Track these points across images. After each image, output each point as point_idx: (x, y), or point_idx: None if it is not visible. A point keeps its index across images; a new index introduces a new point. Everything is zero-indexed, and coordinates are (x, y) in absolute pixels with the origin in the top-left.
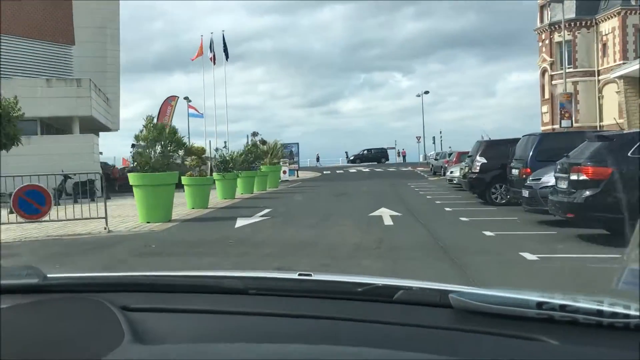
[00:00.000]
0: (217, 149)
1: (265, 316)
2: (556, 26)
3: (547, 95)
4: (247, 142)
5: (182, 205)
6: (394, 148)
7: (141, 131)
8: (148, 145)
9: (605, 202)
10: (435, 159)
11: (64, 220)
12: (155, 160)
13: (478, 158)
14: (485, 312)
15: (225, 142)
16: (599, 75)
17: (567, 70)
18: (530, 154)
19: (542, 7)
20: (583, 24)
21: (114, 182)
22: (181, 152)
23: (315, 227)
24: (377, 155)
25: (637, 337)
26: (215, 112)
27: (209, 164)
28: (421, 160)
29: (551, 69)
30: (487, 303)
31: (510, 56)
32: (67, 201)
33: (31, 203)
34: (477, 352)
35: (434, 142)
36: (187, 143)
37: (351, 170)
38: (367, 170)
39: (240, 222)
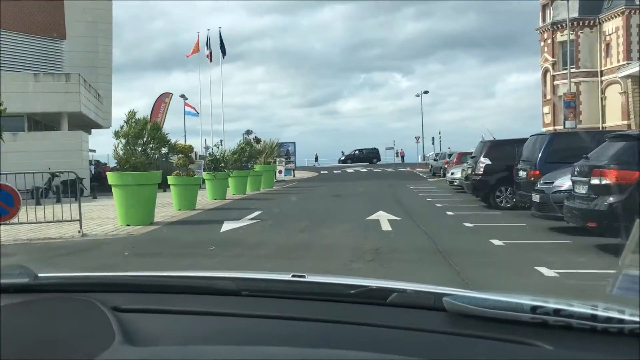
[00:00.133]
0: (207, 147)
1: (257, 318)
2: (558, 25)
3: (548, 96)
4: (240, 141)
5: (169, 206)
6: (392, 148)
7: (122, 127)
8: (129, 142)
9: (633, 210)
10: (435, 160)
11: (35, 222)
12: (136, 158)
13: (482, 159)
14: (479, 316)
15: (221, 141)
16: (601, 75)
17: (570, 71)
18: (540, 155)
19: (544, 7)
20: (586, 24)
21: (105, 181)
22: (164, 150)
23: (307, 232)
24: (369, 156)
25: (631, 343)
26: (211, 110)
27: (202, 162)
28: (420, 160)
29: (553, 69)
30: (481, 307)
31: (510, 57)
32: (49, 201)
33: None
34: (471, 356)
35: (433, 143)
36: (172, 140)
37: (349, 171)
38: (364, 170)
39: (227, 226)
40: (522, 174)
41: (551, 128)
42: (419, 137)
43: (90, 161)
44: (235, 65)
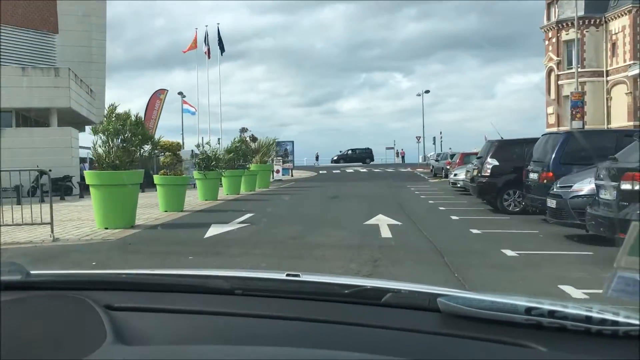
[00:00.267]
0: (198, 145)
1: (251, 317)
2: (564, 24)
3: (553, 96)
4: (234, 139)
5: (156, 208)
6: (392, 148)
7: (101, 122)
8: (108, 138)
9: None
10: (436, 160)
11: (3, 225)
12: (115, 155)
13: (489, 160)
14: (474, 317)
15: (219, 139)
16: (607, 75)
17: (575, 70)
18: (553, 156)
19: (549, 5)
20: (592, 22)
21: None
22: (147, 147)
23: (299, 239)
24: (362, 156)
25: (626, 345)
26: (209, 109)
27: (193, 161)
28: (420, 161)
29: (558, 68)
30: (476, 308)
31: (511, 58)
32: (36, 200)
33: None
34: (465, 358)
35: (434, 143)
36: (155, 136)
37: (348, 170)
38: (364, 170)
39: (213, 230)
40: (533, 176)
41: (555, 129)
42: (419, 137)
43: (84, 159)
44: (236, 63)
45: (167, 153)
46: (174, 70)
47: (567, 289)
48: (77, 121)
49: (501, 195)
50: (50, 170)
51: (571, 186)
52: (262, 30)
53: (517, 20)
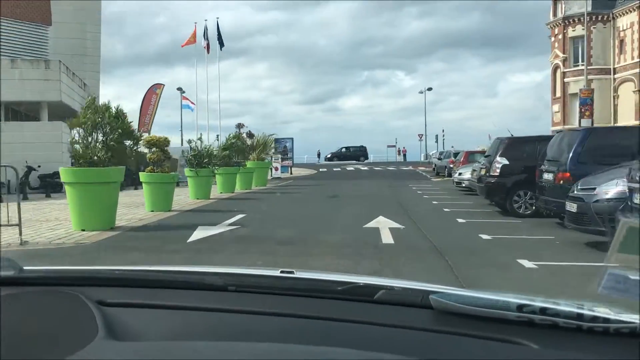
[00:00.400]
0: (190, 141)
1: (244, 314)
2: (570, 20)
3: (558, 94)
4: (229, 135)
5: (142, 207)
6: (394, 146)
7: (77, 116)
8: (86, 133)
9: None
10: (439, 159)
11: None
12: (93, 151)
13: (498, 158)
14: (466, 314)
15: (217, 136)
16: (614, 73)
17: (581, 68)
18: (571, 154)
19: (555, 1)
20: (599, 19)
21: None
22: (129, 142)
23: (291, 245)
24: (356, 153)
25: (617, 342)
26: (207, 105)
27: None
28: (422, 159)
29: (564, 65)
30: (468, 305)
31: (513, 57)
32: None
33: None
34: (456, 355)
35: (436, 141)
36: (137, 130)
37: (348, 168)
38: (365, 168)
39: (199, 234)
40: (547, 176)
41: (561, 127)
42: (422, 135)
43: None
44: (238, 60)
45: (154, 149)
46: (176, 67)
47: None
48: (69, 115)
49: (511, 197)
50: (39, 167)
51: (594, 188)
52: (265, 28)
53: (520, 19)
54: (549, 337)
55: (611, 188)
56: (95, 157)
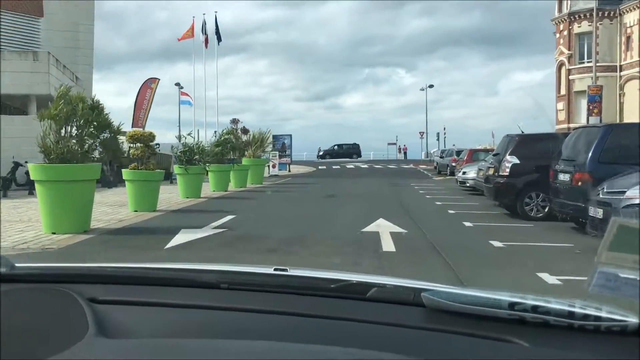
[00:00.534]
0: (179, 136)
1: (236, 311)
2: (576, 16)
3: (563, 91)
4: (222, 130)
5: (126, 207)
6: (394, 144)
7: (47, 107)
8: (57, 126)
9: None
10: (441, 157)
11: None
12: (65, 146)
13: (508, 157)
14: (458, 312)
15: (215, 132)
16: (621, 70)
17: (587, 65)
18: (590, 154)
19: None
20: (605, 15)
21: None
22: (105, 136)
23: (279, 253)
24: (349, 151)
25: (608, 340)
26: (205, 102)
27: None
28: (423, 157)
29: (569, 62)
30: (460, 303)
31: (514, 56)
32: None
33: None
34: (447, 353)
35: (438, 139)
36: (115, 124)
37: (348, 166)
38: (365, 166)
39: (180, 238)
40: (563, 177)
41: (565, 126)
42: (423, 133)
43: None
44: (238, 57)
45: (137, 144)
46: (177, 62)
47: None
48: None
49: (522, 199)
50: (26, 162)
51: (624, 192)
52: (265, 24)
53: (521, 17)
54: (541, 335)
55: None
56: (68, 153)
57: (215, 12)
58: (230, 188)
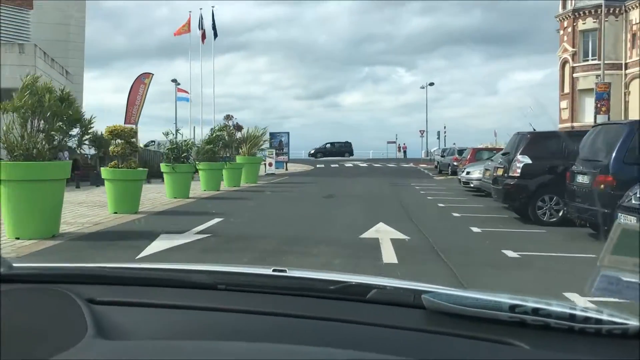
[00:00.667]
0: (167, 133)
1: (235, 313)
2: (580, 13)
3: (567, 89)
4: (214, 127)
5: (106, 208)
6: (394, 142)
7: (11, 99)
8: (21, 119)
9: None
10: (442, 156)
11: None
12: (30, 142)
13: (519, 157)
14: (458, 314)
15: (211, 129)
16: (626, 68)
17: (591, 62)
18: (614, 154)
19: None
20: (611, 11)
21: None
22: (76, 131)
23: (267, 263)
24: (341, 149)
25: (609, 343)
26: (201, 99)
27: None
28: (423, 156)
29: (573, 60)
30: (460, 305)
31: (515, 55)
32: None
33: None
34: (448, 355)
35: (438, 138)
36: (85, 117)
37: (347, 165)
38: (364, 165)
39: (157, 246)
40: (581, 179)
41: (569, 125)
42: (423, 131)
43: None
44: (238, 54)
45: (118, 141)
46: (176, 60)
47: None
48: None
49: (534, 202)
50: None
51: None
52: (265, 22)
53: (522, 17)
54: (541, 338)
55: None
56: (35, 150)
57: (213, 7)
58: (223, 187)
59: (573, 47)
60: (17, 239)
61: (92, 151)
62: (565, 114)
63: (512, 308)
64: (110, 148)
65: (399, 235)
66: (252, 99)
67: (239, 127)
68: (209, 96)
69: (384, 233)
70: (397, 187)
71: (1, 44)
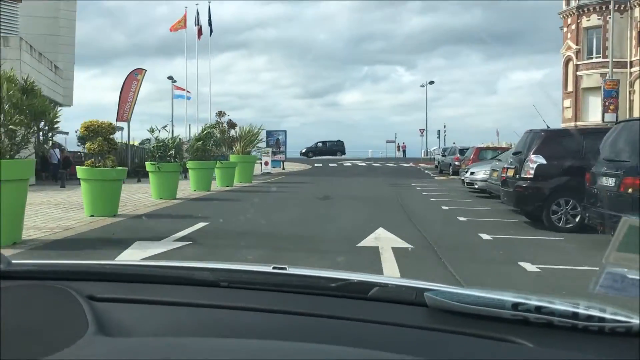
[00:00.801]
0: (152, 130)
1: (235, 310)
2: (585, 9)
3: (570, 88)
4: (205, 124)
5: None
6: (393, 141)
7: None
8: None
9: None
10: (443, 155)
11: None
12: None
13: (532, 157)
14: (461, 312)
15: (203, 126)
16: (631, 66)
17: (595, 60)
18: None
19: None
20: (616, 8)
21: (55, 168)
22: (41, 126)
23: None
24: (333, 148)
25: (612, 341)
26: (197, 97)
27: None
28: (423, 155)
29: (577, 57)
30: (463, 303)
31: (514, 55)
32: None
33: None
34: (450, 353)
35: (438, 137)
36: (54, 110)
37: (345, 164)
38: (363, 164)
39: (129, 254)
40: (605, 181)
41: (572, 124)
42: (423, 130)
43: (54, 144)
44: (238, 53)
45: (97, 138)
46: (176, 58)
47: None
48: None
49: (549, 206)
50: None
51: None
52: (265, 21)
53: (522, 16)
54: (544, 336)
55: None
56: None
57: (209, 2)
58: (215, 187)
59: (577, 44)
60: None
61: (82, 148)
62: (569, 113)
63: (515, 306)
64: (87, 145)
65: (401, 244)
66: (252, 97)
67: (232, 124)
68: (206, 94)
69: (384, 241)
70: (397, 188)
71: None
